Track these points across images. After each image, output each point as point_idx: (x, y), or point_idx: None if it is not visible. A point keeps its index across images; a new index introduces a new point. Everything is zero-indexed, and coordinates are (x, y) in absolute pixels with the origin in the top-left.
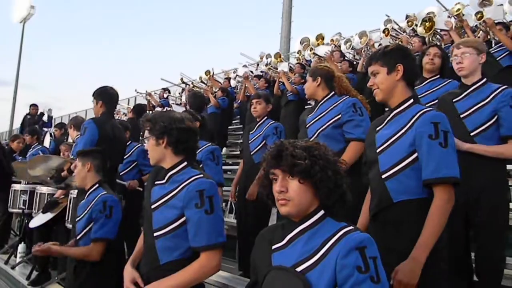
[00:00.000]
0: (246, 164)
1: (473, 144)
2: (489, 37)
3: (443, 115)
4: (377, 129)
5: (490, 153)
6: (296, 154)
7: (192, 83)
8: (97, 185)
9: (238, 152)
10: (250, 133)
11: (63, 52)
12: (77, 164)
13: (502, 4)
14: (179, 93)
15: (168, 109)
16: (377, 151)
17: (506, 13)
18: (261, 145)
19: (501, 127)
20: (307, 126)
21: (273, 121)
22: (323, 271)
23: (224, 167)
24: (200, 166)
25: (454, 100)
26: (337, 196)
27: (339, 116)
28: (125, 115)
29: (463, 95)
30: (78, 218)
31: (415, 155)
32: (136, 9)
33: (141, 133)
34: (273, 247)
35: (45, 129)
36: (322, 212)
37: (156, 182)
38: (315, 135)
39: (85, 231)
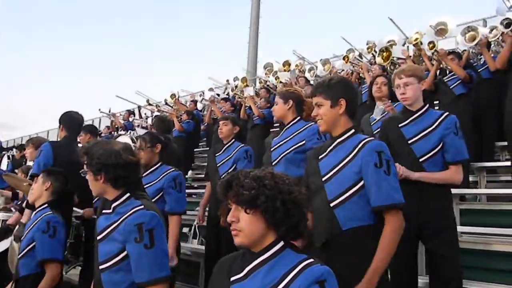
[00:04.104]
0: (215, 188)
1: (421, 173)
2: (442, 66)
3: (384, 144)
4: (320, 157)
5: (437, 180)
6: (244, 184)
7: (157, 105)
8: (46, 205)
9: (204, 175)
10: (217, 155)
11: (25, 71)
12: (37, 180)
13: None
14: (145, 115)
15: (132, 132)
16: (323, 179)
17: (458, 43)
18: (231, 169)
19: (446, 153)
20: (272, 150)
21: (243, 144)
22: None
23: (189, 191)
24: (161, 194)
25: (400, 125)
26: (288, 226)
27: (303, 142)
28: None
29: (409, 120)
30: (23, 237)
31: (362, 182)
32: (103, 24)
33: None
34: (232, 278)
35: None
36: (281, 243)
37: (104, 211)
38: (279, 158)
39: (26, 250)
